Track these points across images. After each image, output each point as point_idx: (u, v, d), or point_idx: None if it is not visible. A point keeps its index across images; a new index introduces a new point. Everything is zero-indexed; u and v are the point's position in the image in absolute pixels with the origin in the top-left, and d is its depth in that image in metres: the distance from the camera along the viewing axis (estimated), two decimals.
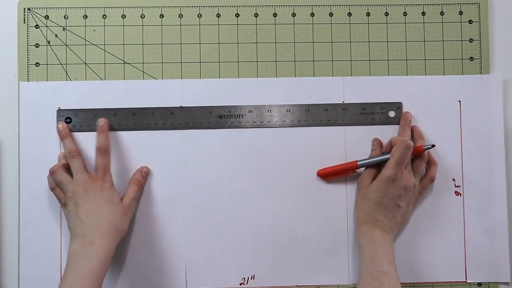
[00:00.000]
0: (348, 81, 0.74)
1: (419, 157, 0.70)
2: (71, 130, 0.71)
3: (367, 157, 0.71)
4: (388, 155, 0.68)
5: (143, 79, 0.73)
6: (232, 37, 0.74)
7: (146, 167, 0.71)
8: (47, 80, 0.73)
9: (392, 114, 0.72)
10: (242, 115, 0.72)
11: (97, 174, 0.68)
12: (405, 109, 0.74)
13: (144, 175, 0.71)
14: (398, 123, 0.72)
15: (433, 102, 0.74)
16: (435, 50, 0.75)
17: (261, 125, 0.72)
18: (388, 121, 0.73)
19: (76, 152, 0.69)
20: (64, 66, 0.73)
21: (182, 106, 0.73)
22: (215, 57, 0.74)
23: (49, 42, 0.73)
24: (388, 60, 0.75)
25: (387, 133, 0.73)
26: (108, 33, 0.74)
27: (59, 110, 0.71)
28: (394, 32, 0.75)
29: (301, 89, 0.73)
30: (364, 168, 0.71)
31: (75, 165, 0.68)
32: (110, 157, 0.70)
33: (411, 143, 0.67)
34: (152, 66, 0.74)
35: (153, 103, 0.73)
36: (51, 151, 0.72)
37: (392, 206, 0.67)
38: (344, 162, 0.71)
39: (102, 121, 0.70)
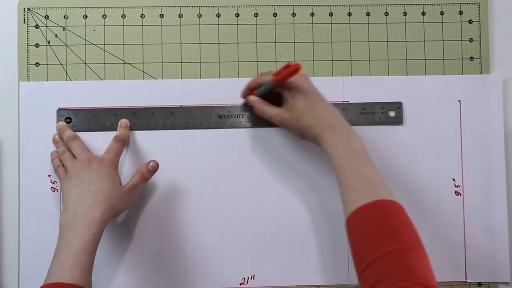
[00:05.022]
0: (348, 81, 0.74)
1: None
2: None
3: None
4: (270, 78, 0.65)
5: (143, 79, 0.74)
6: (232, 37, 0.74)
7: (154, 162, 0.70)
8: (47, 80, 0.73)
9: (392, 114, 0.72)
10: (242, 115, 0.72)
11: (105, 155, 0.68)
12: (405, 108, 0.74)
13: (151, 168, 0.70)
14: (398, 123, 0.72)
15: (433, 102, 0.74)
16: (435, 50, 0.75)
17: (261, 125, 0.71)
18: (388, 121, 0.73)
19: (76, 136, 0.70)
20: (64, 66, 0.73)
21: (182, 106, 0.73)
22: (215, 57, 0.74)
23: (49, 42, 0.73)
24: (388, 60, 0.75)
25: (387, 133, 0.73)
26: (108, 33, 0.74)
27: (59, 110, 0.71)
28: (394, 32, 0.75)
29: None
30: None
31: (76, 147, 0.69)
32: (123, 150, 0.70)
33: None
34: (152, 66, 0.74)
35: (153, 103, 0.73)
36: (51, 151, 0.72)
37: (316, 93, 0.65)
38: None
39: (124, 122, 0.71)
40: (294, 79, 0.64)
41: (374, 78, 0.74)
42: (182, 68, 0.74)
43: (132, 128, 0.71)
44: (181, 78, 0.74)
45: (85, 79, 0.73)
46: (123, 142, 0.70)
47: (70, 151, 0.69)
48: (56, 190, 0.72)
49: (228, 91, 0.73)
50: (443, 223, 0.73)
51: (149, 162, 0.70)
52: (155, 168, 0.70)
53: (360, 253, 0.56)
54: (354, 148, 0.61)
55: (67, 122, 0.71)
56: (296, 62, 0.75)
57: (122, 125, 0.71)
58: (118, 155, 0.69)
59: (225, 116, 0.72)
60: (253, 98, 0.68)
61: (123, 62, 0.74)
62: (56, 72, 0.73)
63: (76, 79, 0.73)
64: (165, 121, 0.71)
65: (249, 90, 0.69)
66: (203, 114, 0.71)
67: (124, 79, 0.73)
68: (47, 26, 0.73)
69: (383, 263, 0.53)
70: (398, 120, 0.73)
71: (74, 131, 0.71)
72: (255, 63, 0.74)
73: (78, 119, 0.72)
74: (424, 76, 0.75)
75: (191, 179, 0.72)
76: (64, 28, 0.74)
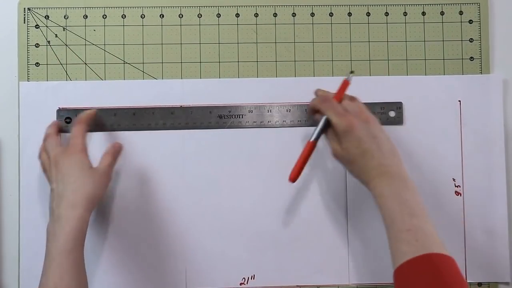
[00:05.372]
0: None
1: (354, 99, 0.68)
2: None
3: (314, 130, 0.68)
4: (324, 116, 0.65)
5: (143, 79, 0.73)
6: (232, 37, 0.74)
7: (117, 142, 0.70)
8: (47, 80, 0.73)
9: (392, 114, 0.72)
10: (242, 115, 0.72)
11: (68, 142, 0.66)
12: (405, 108, 0.74)
13: (117, 147, 0.69)
14: (398, 123, 0.72)
15: (433, 102, 0.74)
16: (435, 50, 0.75)
17: (261, 125, 0.72)
18: (389, 121, 0.72)
19: (48, 134, 0.68)
20: (64, 66, 0.73)
21: (182, 106, 0.73)
22: (215, 57, 0.74)
23: (49, 42, 0.73)
24: (388, 60, 0.75)
25: (388, 133, 0.72)
26: (108, 33, 0.74)
27: (59, 110, 0.71)
28: (394, 32, 0.75)
29: (301, 89, 0.73)
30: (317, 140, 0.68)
31: (47, 146, 0.66)
32: (86, 132, 0.68)
33: (324, 92, 0.67)
34: (152, 66, 0.74)
35: (153, 103, 0.73)
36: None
37: (371, 142, 0.62)
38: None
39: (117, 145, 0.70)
40: (351, 123, 0.62)
41: (374, 78, 0.74)
42: (182, 68, 0.74)
43: (132, 128, 0.71)
44: (181, 78, 0.74)
45: (85, 79, 0.73)
46: (86, 123, 0.68)
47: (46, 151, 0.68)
48: None
49: (228, 91, 0.73)
50: (443, 223, 0.73)
51: (113, 144, 0.69)
52: (120, 147, 0.70)
53: None
54: (404, 198, 0.59)
55: (67, 122, 0.71)
56: (296, 62, 0.74)
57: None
58: (81, 135, 0.66)
59: (225, 116, 0.71)
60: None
61: (123, 62, 0.73)
62: (56, 72, 0.73)
63: (76, 79, 0.73)
64: (165, 121, 0.71)
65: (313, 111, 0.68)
66: (203, 114, 0.71)
67: (124, 79, 0.73)
68: (47, 26, 0.73)
69: None
70: (398, 120, 0.72)
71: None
72: (255, 63, 0.74)
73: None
74: (424, 76, 0.75)
75: (191, 179, 0.72)
76: (64, 28, 0.73)
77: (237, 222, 0.72)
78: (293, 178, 0.66)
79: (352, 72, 0.67)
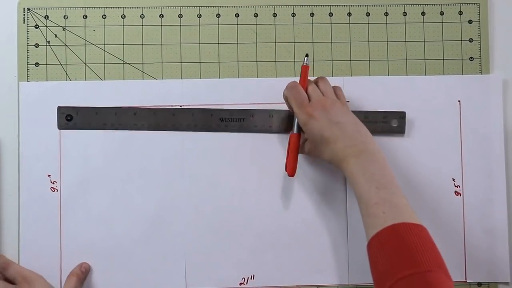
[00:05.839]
0: (348, 81, 0.74)
1: (321, 81, 0.69)
2: (72, 128, 0.71)
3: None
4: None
5: (143, 79, 0.73)
6: (232, 37, 0.74)
7: (86, 263, 0.70)
8: (46, 80, 0.73)
9: (395, 123, 0.72)
10: (243, 118, 0.71)
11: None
12: (407, 110, 0.73)
13: (84, 270, 0.70)
14: (401, 133, 0.72)
15: (433, 102, 0.74)
16: (435, 50, 0.75)
17: (262, 130, 0.71)
18: (391, 131, 0.72)
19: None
20: (64, 66, 0.73)
21: (182, 106, 0.72)
22: (215, 57, 0.74)
23: (48, 42, 0.73)
24: (388, 60, 0.74)
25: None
26: (108, 33, 0.73)
27: (59, 108, 0.71)
28: (394, 32, 0.75)
29: None
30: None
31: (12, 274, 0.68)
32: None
33: (292, 81, 0.67)
34: (152, 66, 0.73)
35: (152, 103, 0.73)
36: (51, 151, 0.72)
37: (333, 129, 0.63)
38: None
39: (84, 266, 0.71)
40: (309, 113, 0.64)
41: (374, 78, 0.74)
42: (182, 68, 0.74)
43: (133, 128, 0.71)
44: (181, 78, 0.73)
45: (85, 79, 0.73)
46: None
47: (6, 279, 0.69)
48: (56, 190, 0.72)
49: (228, 91, 0.73)
50: (443, 223, 0.73)
51: (81, 264, 0.70)
52: (87, 269, 0.70)
53: (379, 278, 0.55)
54: (371, 172, 0.60)
55: (68, 120, 0.70)
56: (296, 62, 0.75)
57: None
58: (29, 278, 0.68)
59: (227, 119, 0.71)
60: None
61: (123, 62, 0.73)
62: (56, 72, 0.73)
63: (76, 79, 0.73)
64: (166, 122, 0.71)
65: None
66: (205, 117, 0.71)
67: (124, 79, 0.73)
68: (46, 26, 0.73)
69: (400, 287, 0.52)
70: (401, 130, 0.72)
71: (75, 128, 0.71)
72: (255, 63, 0.74)
73: (79, 117, 0.71)
74: (424, 76, 0.74)
75: (191, 179, 0.72)
76: (64, 28, 0.73)
77: (236, 222, 0.72)
78: (290, 172, 0.67)
79: (306, 55, 0.69)
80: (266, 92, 0.73)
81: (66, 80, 0.73)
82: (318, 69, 0.74)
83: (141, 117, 0.71)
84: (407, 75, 0.74)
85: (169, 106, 0.73)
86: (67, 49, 0.73)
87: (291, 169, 0.67)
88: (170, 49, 0.74)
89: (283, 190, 0.72)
